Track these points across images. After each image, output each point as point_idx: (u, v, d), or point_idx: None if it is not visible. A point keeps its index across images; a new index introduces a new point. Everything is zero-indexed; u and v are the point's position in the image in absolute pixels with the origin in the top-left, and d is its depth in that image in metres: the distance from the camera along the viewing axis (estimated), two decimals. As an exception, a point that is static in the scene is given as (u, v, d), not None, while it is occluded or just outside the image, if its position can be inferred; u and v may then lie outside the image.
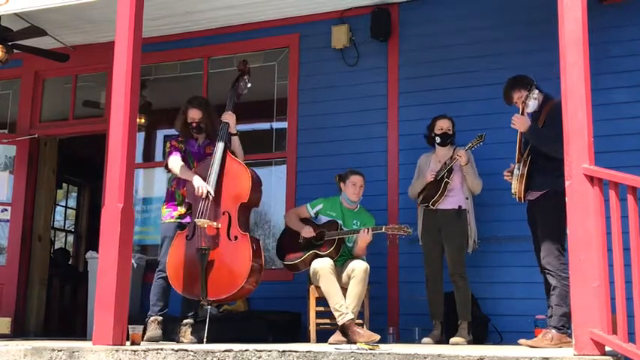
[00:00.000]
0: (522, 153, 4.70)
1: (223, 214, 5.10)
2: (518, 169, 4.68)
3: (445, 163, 5.66)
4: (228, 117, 5.32)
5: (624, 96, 5.80)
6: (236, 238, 5.04)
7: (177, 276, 5.07)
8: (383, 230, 5.37)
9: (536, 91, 4.70)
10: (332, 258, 5.41)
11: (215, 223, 5.03)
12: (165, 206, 5.39)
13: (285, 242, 5.80)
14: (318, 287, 5.31)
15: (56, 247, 10.68)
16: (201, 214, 5.04)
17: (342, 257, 5.51)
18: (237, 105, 5.55)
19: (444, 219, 5.62)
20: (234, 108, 5.42)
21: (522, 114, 4.71)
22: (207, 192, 5.03)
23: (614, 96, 5.77)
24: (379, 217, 5.84)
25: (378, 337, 4.94)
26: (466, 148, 5.59)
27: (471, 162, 5.64)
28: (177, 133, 5.51)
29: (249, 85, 5.50)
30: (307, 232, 5.60)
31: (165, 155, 5.38)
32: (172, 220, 5.30)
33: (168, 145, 5.39)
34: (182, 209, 5.30)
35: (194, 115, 5.40)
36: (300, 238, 5.64)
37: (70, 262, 10.35)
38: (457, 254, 5.55)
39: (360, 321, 5.40)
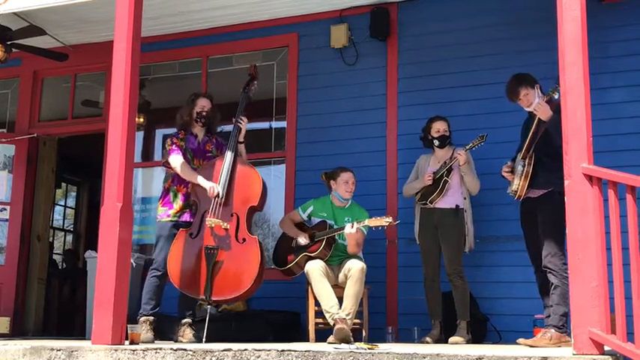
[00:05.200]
0: (529, 150, 4.68)
1: (232, 215, 5.12)
2: (523, 166, 4.65)
3: (445, 162, 5.65)
4: (243, 124, 5.38)
5: (623, 95, 5.80)
6: (244, 240, 5.07)
7: (180, 274, 5.07)
8: (367, 224, 5.32)
9: (558, 90, 4.61)
10: (324, 257, 5.42)
11: (224, 224, 5.04)
12: (160, 204, 5.37)
13: (280, 248, 5.81)
14: (314, 288, 5.32)
15: (55, 246, 10.67)
16: (212, 213, 5.05)
17: (338, 256, 5.50)
18: (237, 104, 5.57)
19: (441, 217, 5.61)
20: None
21: (548, 102, 4.61)
22: (218, 193, 5.06)
23: (613, 95, 5.77)
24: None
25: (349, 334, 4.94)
26: (467, 147, 5.57)
27: (470, 162, 5.64)
28: (175, 131, 5.48)
29: (256, 87, 5.67)
30: (302, 239, 5.58)
31: (166, 153, 5.35)
32: (168, 219, 5.28)
33: (169, 142, 5.35)
34: (177, 206, 5.27)
35: (205, 103, 5.45)
36: (292, 243, 5.65)
37: (78, 264, 10.24)
38: (454, 253, 5.55)
39: (359, 320, 5.41)
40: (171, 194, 5.32)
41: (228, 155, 5.28)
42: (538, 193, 4.65)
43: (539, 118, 4.60)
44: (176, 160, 5.24)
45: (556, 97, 4.60)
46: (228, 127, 5.55)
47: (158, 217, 5.36)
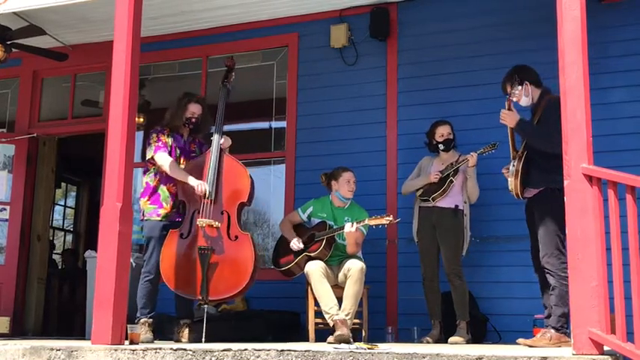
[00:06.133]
0: (517, 149, 4.69)
1: (222, 213, 5.10)
2: (514, 165, 4.66)
3: (451, 163, 5.65)
4: (227, 143, 5.30)
5: (622, 95, 5.80)
6: (236, 237, 5.06)
7: (174, 276, 5.05)
8: (366, 222, 5.32)
9: (517, 90, 4.65)
10: (324, 257, 5.42)
11: (216, 223, 5.03)
12: (147, 202, 5.24)
13: (279, 249, 5.81)
14: (314, 288, 5.32)
15: (56, 246, 10.64)
16: (202, 213, 5.04)
17: (338, 256, 5.50)
18: (236, 104, 5.57)
19: (439, 217, 5.62)
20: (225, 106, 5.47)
21: (509, 109, 4.67)
22: (207, 192, 5.03)
23: (612, 95, 5.77)
24: (378, 217, 5.84)
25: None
26: (478, 152, 5.57)
27: (474, 168, 5.63)
28: (161, 127, 5.37)
29: (234, 79, 5.61)
30: (294, 244, 5.57)
31: (151, 148, 5.24)
32: (157, 219, 5.20)
33: (154, 137, 5.25)
34: (168, 206, 5.21)
35: (195, 109, 5.37)
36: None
37: (78, 264, 10.23)
38: (452, 253, 5.55)
39: (358, 320, 5.41)
40: (160, 193, 5.23)
41: (214, 152, 5.22)
42: (533, 192, 4.63)
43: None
44: (163, 158, 5.16)
45: (514, 99, 4.66)
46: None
47: (146, 216, 5.23)
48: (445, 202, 5.62)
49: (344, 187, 5.61)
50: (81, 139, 8.26)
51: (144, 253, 5.29)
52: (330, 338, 5.01)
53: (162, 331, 5.39)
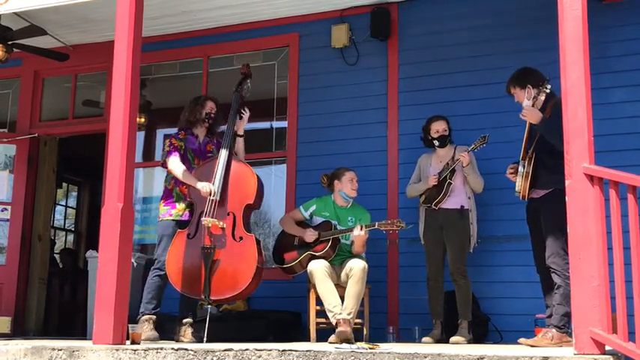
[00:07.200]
0: (527, 150, 4.68)
1: (228, 214, 5.13)
2: (523, 166, 4.65)
3: (447, 163, 5.65)
4: (245, 115, 5.45)
5: (623, 95, 5.80)
6: (241, 238, 5.08)
7: (179, 274, 5.08)
8: (376, 227, 5.35)
9: (547, 88, 4.62)
10: (329, 257, 5.42)
11: (220, 223, 5.05)
12: (163, 204, 5.38)
13: (281, 246, 5.80)
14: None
15: (57, 246, 10.63)
16: (207, 213, 5.06)
17: (340, 256, 5.50)
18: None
19: (446, 218, 5.62)
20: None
21: (533, 106, 4.64)
22: (212, 192, 5.06)
23: (613, 95, 5.77)
24: (379, 217, 5.81)
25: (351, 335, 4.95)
26: (469, 149, 5.58)
27: (473, 163, 5.64)
28: (175, 132, 5.49)
29: (249, 86, 5.67)
30: (310, 235, 5.56)
31: (164, 154, 5.36)
32: (170, 219, 5.29)
33: (167, 143, 5.37)
34: (180, 207, 5.29)
35: (212, 105, 5.52)
36: (295, 241, 5.64)
37: (76, 263, 10.24)
38: (458, 253, 5.55)
39: (360, 320, 5.41)
40: (174, 195, 5.33)
41: (223, 154, 5.27)
42: (541, 193, 4.63)
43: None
44: (173, 162, 5.25)
45: (542, 97, 4.62)
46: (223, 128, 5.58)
47: (160, 217, 5.37)
48: (450, 203, 5.62)
49: (348, 185, 5.61)
50: (82, 140, 8.27)
51: (155, 250, 5.33)
52: (332, 338, 5.01)
53: (163, 330, 5.40)
